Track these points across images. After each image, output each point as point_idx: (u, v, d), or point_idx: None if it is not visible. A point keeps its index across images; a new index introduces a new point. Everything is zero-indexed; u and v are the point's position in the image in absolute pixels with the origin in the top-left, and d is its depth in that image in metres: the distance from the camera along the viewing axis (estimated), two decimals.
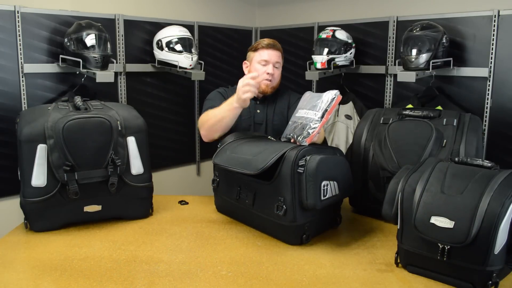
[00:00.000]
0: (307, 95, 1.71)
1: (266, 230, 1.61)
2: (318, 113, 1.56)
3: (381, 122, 1.85)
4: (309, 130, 1.55)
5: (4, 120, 2.32)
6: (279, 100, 2.09)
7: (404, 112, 1.84)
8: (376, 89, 2.85)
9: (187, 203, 1.95)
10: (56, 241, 1.54)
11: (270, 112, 2.05)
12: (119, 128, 1.63)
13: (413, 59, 2.34)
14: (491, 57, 2.35)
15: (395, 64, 2.63)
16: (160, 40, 2.73)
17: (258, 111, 2.04)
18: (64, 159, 1.54)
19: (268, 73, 1.97)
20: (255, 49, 2.02)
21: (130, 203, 1.72)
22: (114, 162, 1.60)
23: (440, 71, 2.41)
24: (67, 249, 1.48)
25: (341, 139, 2.90)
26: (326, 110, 1.55)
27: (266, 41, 2.01)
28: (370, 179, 1.78)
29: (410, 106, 2.43)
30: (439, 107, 2.38)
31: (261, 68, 1.98)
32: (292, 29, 3.28)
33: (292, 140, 1.62)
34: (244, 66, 2.10)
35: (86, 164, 1.57)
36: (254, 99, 2.06)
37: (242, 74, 2.04)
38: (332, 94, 1.57)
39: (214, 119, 1.83)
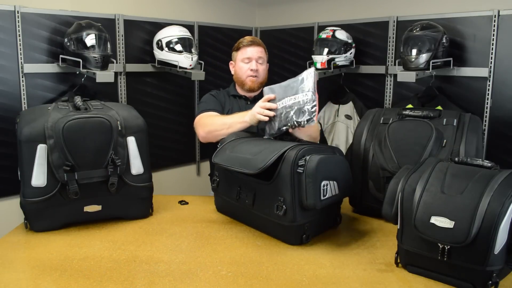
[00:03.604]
0: (279, 87, 1.69)
1: (266, 230, 1.61)
2: (308, 93, 1.56)
3: (381, 122, 1.85)
4: (311, 110, 1.54)
5: (4, 120, 2.32)
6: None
7: (404, 112, 1.84)
8: (376, 89, 2.85)
9: (187, 203, 1.95)
10: (56, 241, 1.54)
11: None
12: (119, 128, 1.63)
13: (413, 59, 2.34)
14: (491, 57, 2.35)
15: (395, 64, 2.63)
16: (160, 40, 2.73)
17: None
18: (64, 159, 1.54)
19: (251, 70, 2.04)
20: (237, 49, 2.10)
21: (130, 203, 1.71)
22: (114, 162, 1.60)
23: (440, 71, 2.41)
24: (67, 249, 1.48)
25: (341, 139, 2.90)
26: (314, 88, 1.57)
27: (246, 39, 2.09)
28: (370, 179, 1.78)
29: (410, 106, 2.43)
30: (439, 107, 2.38)
31: (244, 66, 2.06)
32: (292, 29, 3.28)
33: (290, 130, 1.65)
34: (230, 66, 2.17)
35: (86, 164, 1.57)
36: (245, 99, 2.12)
37: None
38: (311, 73, 1.58)
39: (221, 126, 1.85)
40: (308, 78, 1.59)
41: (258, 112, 1.71)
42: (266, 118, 1.70)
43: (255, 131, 1.94)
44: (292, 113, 1.61)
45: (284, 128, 1.65)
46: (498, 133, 2.36)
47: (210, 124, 1.90)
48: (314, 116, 1.55)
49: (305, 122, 1.57)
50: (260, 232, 1.62)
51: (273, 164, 1.47)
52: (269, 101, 1.70)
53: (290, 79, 1.66)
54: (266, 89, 1.75)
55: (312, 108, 1.56)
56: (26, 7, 2.36)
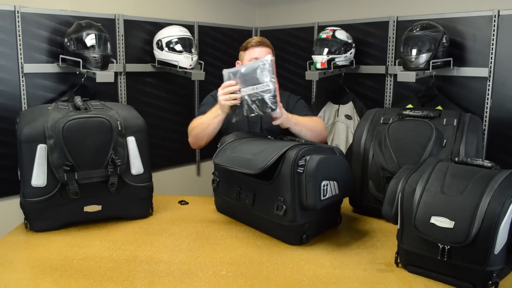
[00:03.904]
0: (239, 73, 1.70)
1: (266, 230, 1.61)
2: (269, 83, 1.61)
3: (381, 122, 1.85)
4: (273, 100, 1.61)
5: (4, 120, 2.32)
6: None
7: (404, 112, 1.84)
8: (376, 89, 2.85)
9: (187, 203, 1.95)
10: (56, 241, 1.54)
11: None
12: (119, 128, 1.63)
13: (413, 59, 2.34)
14: (491, 57, 2.35)
15: (395, 64, 2.63)
16: (160, 40, 2.73)
17: None
18: (64, 159, 1.54)
19: None
20: (245, 48, 2.07)
21: (130, 203, 1.71)
22: (114, 162, 1.60)
23: (440, 71, 2.41)
24: (67, 249, 1.48)
25: (341, 139, 2.90)
26: (272, 77, 1.61)
27: (255, 39, 2.07)
28: (370, 179, 1.78)
29: (410, 106, 2.43)
30: (439, 107, 2.38)
31: None
32: (292, 29, 3.28)
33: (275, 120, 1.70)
34: (237, 66, 2.12)
35: (86, 164, 1.57)
36: None
37: None
38: (268, 62, 1.61)
39: (201, 127, 1.88)
40: (264, 68, 1.62)
41: (224, 99, 1.71)
42: (235, 102, 1.70)
43: (258, 131, 1.95)
44: (256, 102, 1.65)
45: (252, 115, 1.68)
46: (498, 133, 2.36)
47: (193, 129, 1.92)
48: (275, 105, 1.61)
49: (269, 111, 1.63)
50: (260, 232, 1.62)
51: (273, 164, 1.47)
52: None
53: (248, 66, 1.68)
54: (225, 72, 1.75)
55: (273, 98, 1.61)
56: (26, 7, 2.36)
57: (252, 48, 2.04)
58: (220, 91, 1.73)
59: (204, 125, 1.87)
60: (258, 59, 2.00)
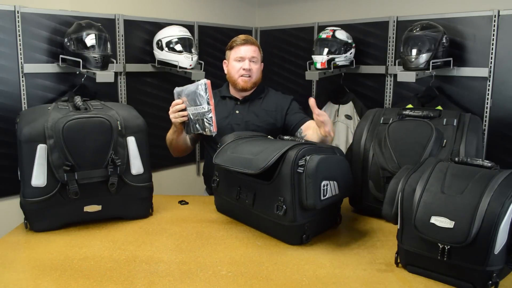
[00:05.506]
0: (185, 93, 1.80)
1: (266, 230, 1.61)
2: (204, 106, 1.71)
3: (381, 122, 1.85)
4: (209, 121, 1.71)
5: (4, 120, 2.32)
6: (264, 102, 2.10)
7: (404, 112, 1.84)
8: (376, 89, 2.85)
9: (187, 203, 1.95)
10: (56, 241, 1.54)
11: (250, 114, 2.07)
12: (119, 128, 1.63)
13: (413, 59, 2.34)
14: (491, 57, 2.35)
15: (395, 64, 2.63)
16: (160, 40, 2.73)
17: (237, 111, 2.06)
18: (64, 159, 1.54)
19: (244, 69, 2.02)
20: (231, 47, 2.07)
21: (130, 203, 1.71)
22: (114, 162, 1.60)
23: (440, 71, 2.42)
24: (67, 249, 1.48)
25: (341, 139, 2.90)
26: (207, 100, 1.70)
27: (240, 37, 2.06)
28: (370, 179, 1.78)
29: (410, 106, 2.43)
30: (439, 107, 2.38)
31: (237, 65, 2.03)
32: (292, 29, 3.28)
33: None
34: (224, 65, 2.14)
35: (86, 164, 1.57)
36: (235, 99, 2.08)
37: None
38: (202, 85, 1.70)
39: (169, 141, 2.03)
40: (200, 91, 1.71)
41: (173, 117, 1.84)
42: (183, 119, 1.81)
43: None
44: (198, 121, 1.77)
45: (199, 132, 1.79)
46: (498, 133, 2.36)
47: (166, 141, 2.06)
48: (212, 126, 1.72)
49: (209, 131, 1.73)
50: (260, 232, 1.62)
51: (273, 164, 1.47)
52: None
53: (189, 87, 1.77)
54: (174, 91, 1.86)
55: (209, 119, 1.72)
56: (26, 7, 2.36)
57: (237, 47, 2.04)
58: (170, 109, 1.84)
59: (169, 139, 2.01)
60: (244, 58, 2.02)
